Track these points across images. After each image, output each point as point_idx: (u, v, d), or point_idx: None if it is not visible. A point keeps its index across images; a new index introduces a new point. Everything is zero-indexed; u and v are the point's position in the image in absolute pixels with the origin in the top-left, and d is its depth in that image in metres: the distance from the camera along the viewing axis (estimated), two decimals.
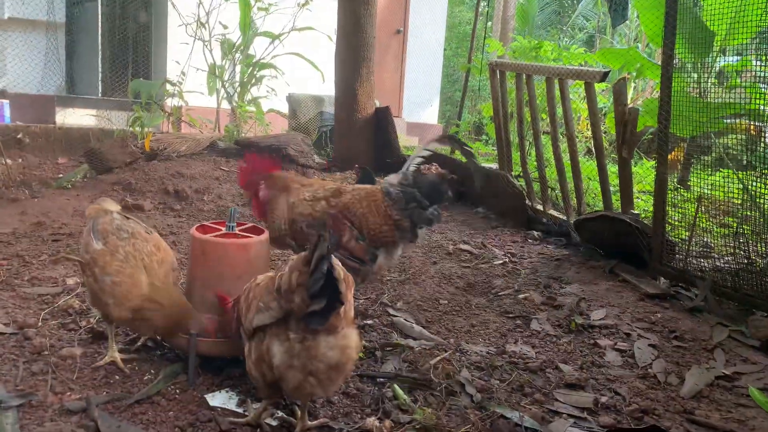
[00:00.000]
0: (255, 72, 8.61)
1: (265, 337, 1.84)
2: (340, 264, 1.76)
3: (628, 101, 4.20)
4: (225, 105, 8.61)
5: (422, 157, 2.59)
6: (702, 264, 3.67)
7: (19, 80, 8.91)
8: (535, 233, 5.00)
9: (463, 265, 4.16)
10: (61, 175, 5.73)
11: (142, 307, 2.16)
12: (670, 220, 3.89)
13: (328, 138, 8.82)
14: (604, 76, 4.12)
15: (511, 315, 3.27)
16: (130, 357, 2.38)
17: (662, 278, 3.84)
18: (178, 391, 2.18)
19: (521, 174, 5.76)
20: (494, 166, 6.54)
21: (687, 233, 3.89)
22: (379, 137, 7.83)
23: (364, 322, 2.99)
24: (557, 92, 4.75)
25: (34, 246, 3.74)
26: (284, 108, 9.36)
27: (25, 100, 8.68)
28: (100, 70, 9.64)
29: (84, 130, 7.62)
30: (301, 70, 8.96)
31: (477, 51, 9.85)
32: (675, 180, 4.14)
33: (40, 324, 2.62)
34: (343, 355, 1.80)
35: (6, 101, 8.34)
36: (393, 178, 2.64)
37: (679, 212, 3.99)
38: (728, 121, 3.94)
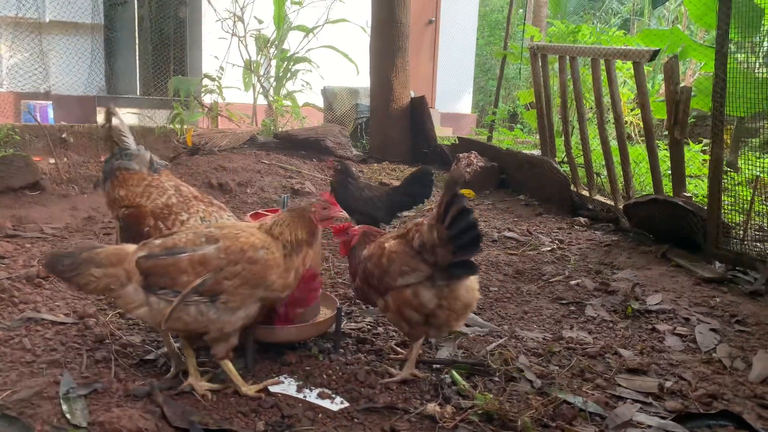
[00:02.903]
0: (290, 66, 8.65)
1: (408, 287, 2.16)
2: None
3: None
4: (261, 100, 8.68)
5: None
6: (759, 247, 3.54)
7: (61, 82, 9.13)
8: (582, 219, 4.90)
9: (510, 252, 4.10)
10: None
11: None
12: (722, 204, 3.76)
13: (363, 130, 8.82)
14: (653, 55, 4.00)
15: (564, 301, 3.21)
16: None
17: (718, 262, 3.73)
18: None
19: (565, 160, 5.65)
20: (536, 152, 6.44)
21: (741, 217, 3.76)
22: (415, 127, 7.79)
23: None
24: (603, 74, 4.64)
25: (86, 239, 3.82)
26: (319, 101, 9.38)
27: (68, 101, 8.90)
28: (138, 69, 9.82)
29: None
30: (336, 63, 8.96)
31: (511, 38, 9.69)
32: (724, 163, 4.00)
33: (98, 314, 2.67)
34: (472, 295, 2.21)
35: (50, 103, 8.56)
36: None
37: (730, 196, 3.86)
38: None
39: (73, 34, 9.16)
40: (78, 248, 2.01)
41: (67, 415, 1.85)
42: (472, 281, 2.20)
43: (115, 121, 2.57)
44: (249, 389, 2.07)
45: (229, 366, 2.07)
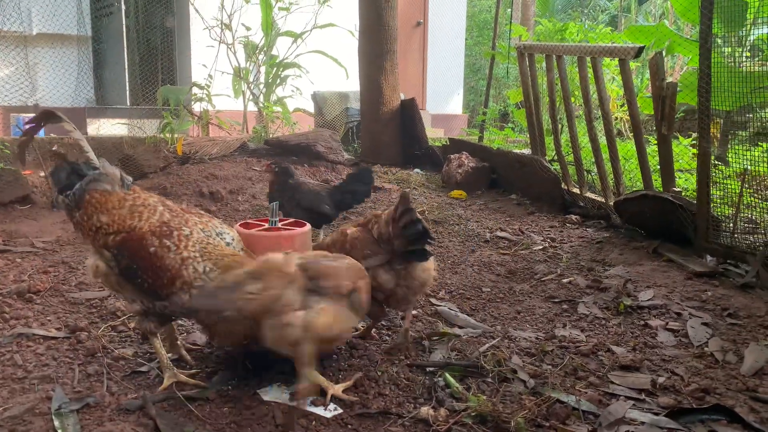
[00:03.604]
0: (279, 72, 8.64)
1: (368, 270, 2.31)
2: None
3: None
4: (251, 107, 8.67)
5: None
6: (750, 240, 3.56)
7: (50, 94, 9.10)
8: (573, 217, 4.92)
9: (502, 252, 4.11)
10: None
11: None
12: (712, 198, 3.78)
13: (354, 133, 8.82)
14: (639, 52, 4.02)
15: (556, 300, 3.22)
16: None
17: (709, 256, 3.74)
18: (230, 387, 2.18)
19: (555, 158, 5.67)
20: (527, 151, 6.46)
21: (730, 210, 3.78)
22: (406, 129, 7.79)
23: None
24: (589, 72, 4.65)
25: (78, 252, 3.81)
26: (310, 106, 9.38)
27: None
28: (127, 79, 9.80)
29: (116, 139, 7.75)
30: (325, 68, 8.96)
31: (499, 38, 9.72)
32: (713, 157, 4.03)
33: (90, 327, 2.66)
34: (428, 275, 2.49)
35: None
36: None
37: (720, 189, 3.88)
38: None
39: (60, 46, 9.14)
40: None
41: (60, 431, 1.84)
42: (429, 262, 2.50)
43: (75, 135, 2.27)
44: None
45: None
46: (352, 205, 4.38)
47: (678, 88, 4.00)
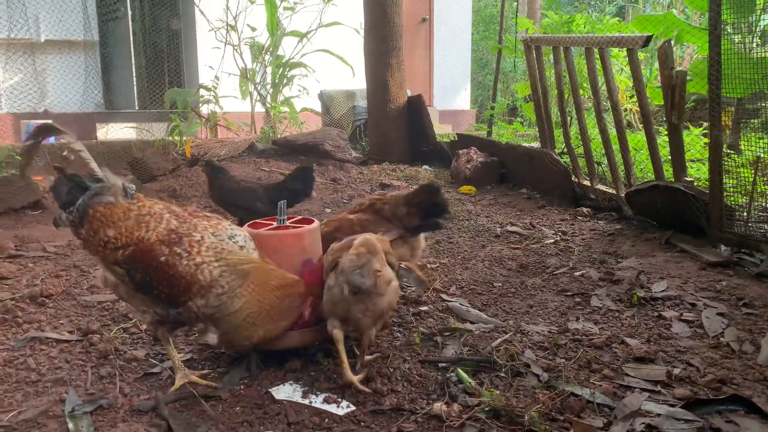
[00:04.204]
0: (285, 72, 8.66)
1: None
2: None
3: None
4: (259, 107, 8.69)
5: None
6: (764, 228, 3.51)
7: (59, 100, 9.17)
8: (584, 209, 4.88)
9: (513, 246, 4.09)
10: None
11: None
12: (725, 187, 3.73)
13: (362, 131, 8.82)
14: (647, 41, 3.98)
15: (569, 293, 3.19)
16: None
17: (722, 246, 3.70)
18: (242, 386, 2.18)
19: (564, 151, 5.63)
20: (536, 145, 6.42)
21: (744, 199, 3.73)
22: (413, 126, 7.77)
23: (419, 308, 2.95)
24: (597, 63, 4.61)
25: (89, 256, 3.82)
26: (317, 106, 9.38)
27: (67, 118, 8.93)
28: (135, 83, 9.85)
29: (125, 142, 7.80)
30: (331, 67, 8.96)
31: (506, 32, 9.67)
32: (725, 145, 3.97)
33: (102, 330, 2.67)
34: (423, 244, 2.98)
35: (49, 122, 8.59)
36: None
37: (733, 178, 3.83)
38: None
39: (68, 52, 9.21)
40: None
41: None
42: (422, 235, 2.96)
43: (76, 146, 2.17)
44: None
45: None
46: (293, 204, 4.30)
47: (688, 77, 3.96)
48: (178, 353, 2.39)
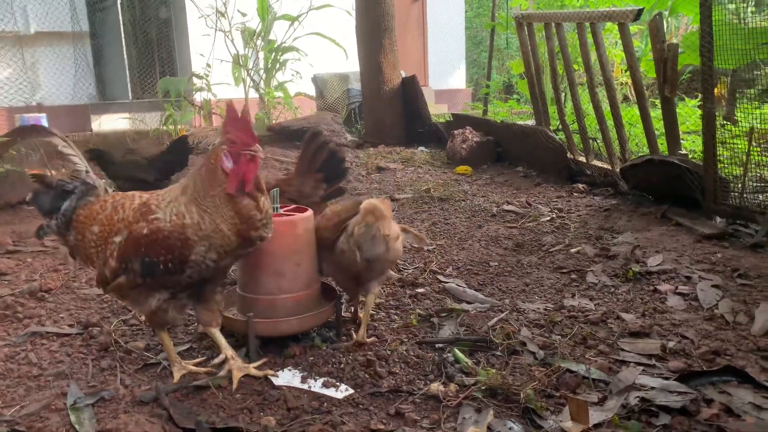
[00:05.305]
0: (278, 57, 8.60)
1: None
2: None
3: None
4: (252, 93, 8.64)
5: None
6: (759, 199, 3.52)
7: (51, 92, 9.12)
8: (580, 186, 4.89)
9: (509, 225, 4.10)
10: (104, 180, 5.86)
11: None
12: (719, 158, 3.73)
13: (357, 114, 8.78)
14: (637, 14, 3.95)
15: (565, 270, 3.21)
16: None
17: (718, 217, 3.71)
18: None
19: (559, 127, 5.62)
20: (531, 122, 6.41)
21: (739, 170, 3.73)
22: (408, 108, 7.74)
23: (416, 290, 2.97)
24: (589, 38, 4.58)
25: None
26: (311, 90, 9.33)
27: (61, 111, 8.90)
28: (127, 73, 9.79)
29: (120, 133, 7.78)
30: (324, 50, 8.89)
31: (499, 8, 9.58)
32: (721, 116, 3.97)
33: (102, 322, 2.69)
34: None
35: (43, 115, 8.57)
36: None
37: (727, 149, 3.83)
38: None
39: (58, 44, 9.14)
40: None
41: (76, 426, 1.87)
42: None
43: (65, 150, 2.20)
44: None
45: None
46: (173, 173, 4.82)
47: (680, 50, 3.94)
48: (177, 344, 2.41)
